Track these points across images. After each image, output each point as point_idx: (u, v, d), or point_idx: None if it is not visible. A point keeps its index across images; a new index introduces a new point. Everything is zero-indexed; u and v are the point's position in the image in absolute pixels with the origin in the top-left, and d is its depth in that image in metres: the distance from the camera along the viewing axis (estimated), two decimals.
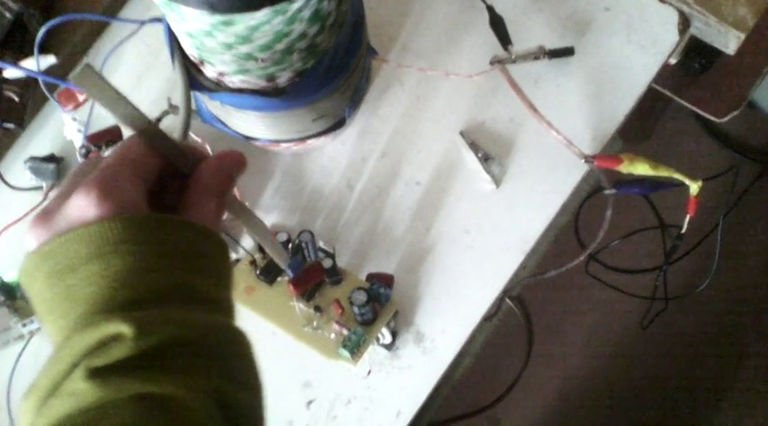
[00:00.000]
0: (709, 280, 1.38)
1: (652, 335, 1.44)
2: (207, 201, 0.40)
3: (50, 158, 0.68)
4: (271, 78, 0.53)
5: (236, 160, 0.42)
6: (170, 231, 0.37)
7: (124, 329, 0.33)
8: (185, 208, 0.39)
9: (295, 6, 0.45)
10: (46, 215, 0.37)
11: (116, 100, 0.36)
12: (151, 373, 0.33)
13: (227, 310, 0.40)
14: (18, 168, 0.69)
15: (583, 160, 0.63)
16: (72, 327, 0.34)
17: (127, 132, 0.62)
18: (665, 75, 0.89)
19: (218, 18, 0.44)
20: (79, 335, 0.33)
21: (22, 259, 0.37)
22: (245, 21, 0.45)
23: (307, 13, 0.47)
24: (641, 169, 0.64)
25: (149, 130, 0.38)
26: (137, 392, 0.32)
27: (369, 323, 0.60)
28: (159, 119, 0.63)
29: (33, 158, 0.68)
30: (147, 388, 0.32)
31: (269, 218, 0.67)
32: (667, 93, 0.92)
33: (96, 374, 0.32)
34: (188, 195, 0.40)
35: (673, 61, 0.89)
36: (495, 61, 0.66)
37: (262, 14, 0.44)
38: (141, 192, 0.38)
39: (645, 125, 1.44)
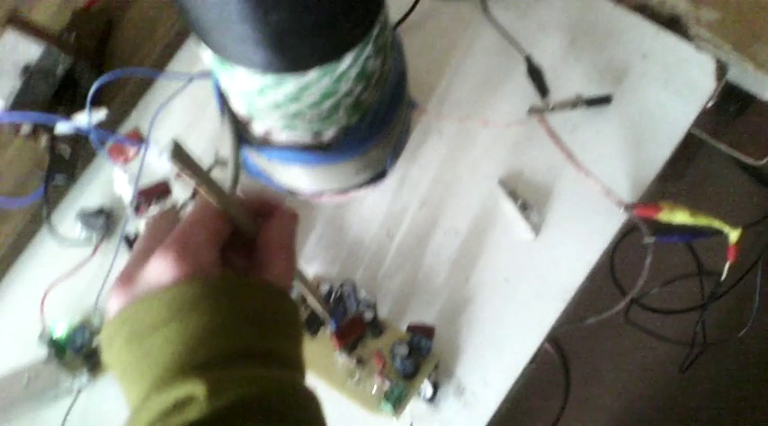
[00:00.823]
0: (750, 325, 1.36)
1: (690, 380, 1.42)
2: (278, 259, 0.41)
3: (100, 212, 0.70)
4: (317, 134, 0.54)
5: (292, 217, 0.44)
6: (246, 291, 0.38)
7: (197, 389, 0.33)
8: (258, 267, 0.41)
9: (343, 66, 0.47)
10: (126, 279, 0.38)
11: (201, 174, 0.38)
12: None
13: (300, 369, 0.41)
14: (69, 221, 0.70)
15: (622, 208, 0.64)
16: (150, 388, 0.35)
17: (176, 186, 0.64)
18: (702, 117, 0.89)
19: (269, 78, 0.46)
20: (157, 396, 0.34)
21: (104, 324, 0.38)
22: (294, 81, 0.46)
23: (353, 72, 0.48)
24: (680, 217, 0.64)
25: (227, 200, 0.40)
26: None
27: (410, 375, 0.60)
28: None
29: (84, 211, 0.70)
30: None
31: (311, 268, 0.68)
32: (704, 136, 0.92)
33: None
34: (259, 255, 0.41)
35: (709, 104, 0.89)
36: (533, 111, 0.67)
37: (311, 75, 0.46)
38: (215, 254, 0.39)
39: (679, 164, 1.44)
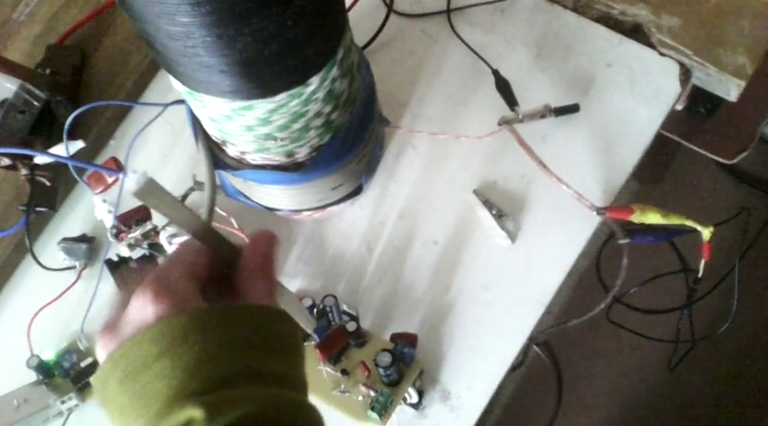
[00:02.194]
0: (731, 320, 1.38)
1: (680, 376, 1.43)
2: (255, 282, 0.42)
3: (82, 238, 0.71)
4: (290, 154, 0.55)
5: (268, 238, 0.44)
6: (234, 317, 0.39)
7: (195, 413, 0.34)
8: (239, 294, 0.42)
9: (309, 89, 0.48)
10: (110, 326, 0.39)
11: (172, 206, 0.38)
12: None
13: (299, 385, 0.41)
14: (51, 249, 0.71)
15: (595, 212, 0.65)
16: (149, 423, 0.36)
17: (154, 212, 0.64)
18: (673, 120, 0.91)
19: (237, 104, 0.47)
20: None
21: (96, 372, 0.39)
22: (263, 105, 0.47)
23: (321, 94, 0.49)
24: (653, 218, 0.65)
25: (203, 230, 0.41)
26: None
27: (395, 383, 0.61)
28: (185, 196, 0.66)
29: (66, 239, 0.71)
30: None
31: (293, 284, 0.69)
32: (676, 138, 0.94)
33: None
34: (238, 281, 0.42)
35: (679, 107, 0.91)
36: (504, 122, 0.68)
37: (279, 98, 0.47)
38: (194, 288, 0.40)
39: (657, 168, 1.46)
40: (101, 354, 0.39)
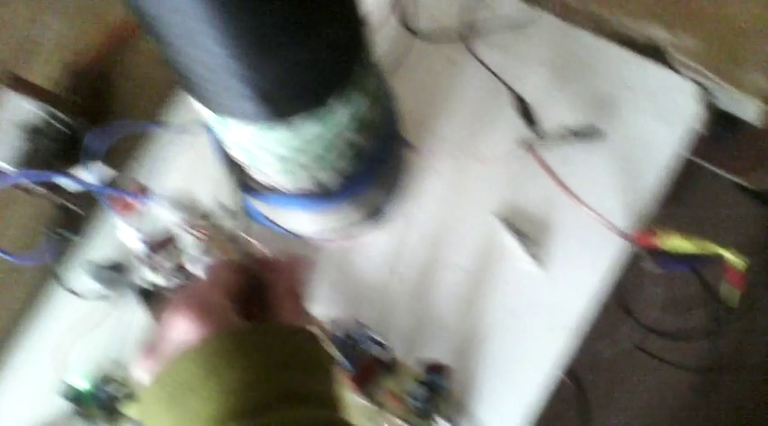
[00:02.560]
0: (759, 348, 1.36)
1: (709, 405, 1.41)
2: (287, 304, 0.43)
3: (110, 265, 0.71)
4: (315, 179, 0.56)
5: (302, 262, 0.46)
6: (275, 338, 0.40)
7: None
8: (271, 314, 0.43)
9: (336, 115, 0.48)
10: (152, 348, 0.40)
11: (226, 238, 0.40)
12: None
13: (336, 404, 0.42)
14: (79, 275, 0.72)
15: (621, 237, 0.65)
16: None
17: (182, 235, 0.65)
18: (696, 143, 0.91)
19: (264, 129, 0.48)
20: None
21: (140, 394, 0.39)
22: (289, 131, 0.48)
23: (347, 120, 0.50)
24: (680, 244, 0.64)
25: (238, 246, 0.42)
26: None
27: (427, 414, 0.61)
28: (208, 217, 0.66)
29: (95, 265, 0.71)
30: None
31: (318, 311, 0.69)
32: (698, 160, 0.93)
33: None
34: (270, 300, 0.43)
35: (700, 130, 0.91)
36: (524, 143, 0.68)
37: (306, 125, 0.48)
38: (232, 307, 0.41)
39: (679, 190, 1.45)
40: (142, 375, 0.40)
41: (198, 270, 0.65)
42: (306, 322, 0.45)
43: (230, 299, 0.42)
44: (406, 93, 0.73)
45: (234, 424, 0.36)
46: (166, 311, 0.42)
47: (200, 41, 0.39)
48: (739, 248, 0.65)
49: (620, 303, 1.40)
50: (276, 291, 0.44)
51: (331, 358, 0.44)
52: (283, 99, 0.45)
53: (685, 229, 0.65)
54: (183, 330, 0.39)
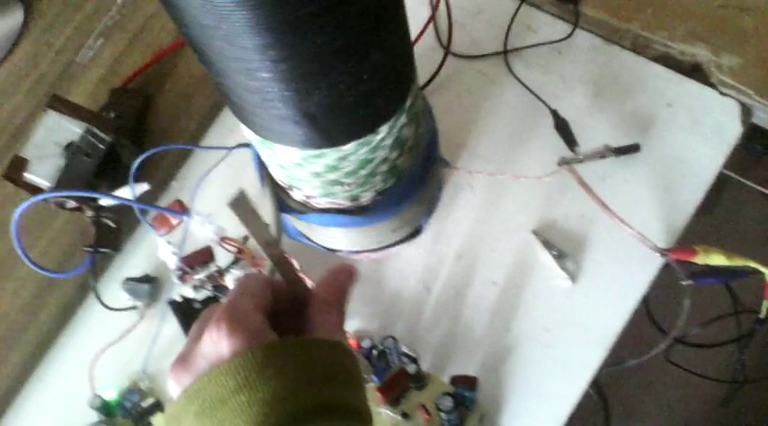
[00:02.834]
0: None
1: (732, 415, 1.40)
2: (328, 315, 0.43)
3: (145, 279, 0.72)
4: (355, 198, 0.56)
5: (347, 273, 0.45)
6: (307, 351, 0.39)
7: None
8: (309, 326, 0.42)
9: (379, 137, 0.48)
10: (183, 360, 0.40)
11: (259, 225, 0.40)
12: None
13: (368, 419, 0.41)
14: (114, 289, 0.72)
15: (658, 254, 0.64)
16: None
17: (219, 253, 0.65)
18: (729, 156, 0.90)
19: (308, 153, 0.48)
20: None
21: (168, 408, 0.39)
22: (333, 154, 0.48)
23: (389, 141, 0.50)
24: (716, 260, 0.65)
25: (278, 255, 0.42)
26: None
27: None
28: (247, 238, 0.67)
29: (129, 279, 0.72)
30: None
31: (351, 325, 0.69)
32: (731, 174, 0.92)
33: None
34: (309, 313, 0.43)
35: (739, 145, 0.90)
36: (563, 162, 0.68)
37: (349, 147, 0.48)
38: (264, 320, 0.40)
39: (707, 200, 1.44)
40: (173, 389, 0.39)
41: (233, 285, 0.65)
42: (343, 336, 0.44)
43: (263, 312, 0.41)
44: (444, 111, 0.73)
45: None
46: (198, 324, 0.42)
47: (255, 71, 0.39)
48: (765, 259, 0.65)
49: (647, 312, 1.40)
50: (316, 305, 0.44)
51: (362, 372, 0.44)
52: (336, 127, 0.45)
53: (713, 239, 0.65)
54: (214, 343, 0.39)
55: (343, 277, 0.45)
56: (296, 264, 0.67)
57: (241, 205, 0.38)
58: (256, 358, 0.37)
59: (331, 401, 0.38)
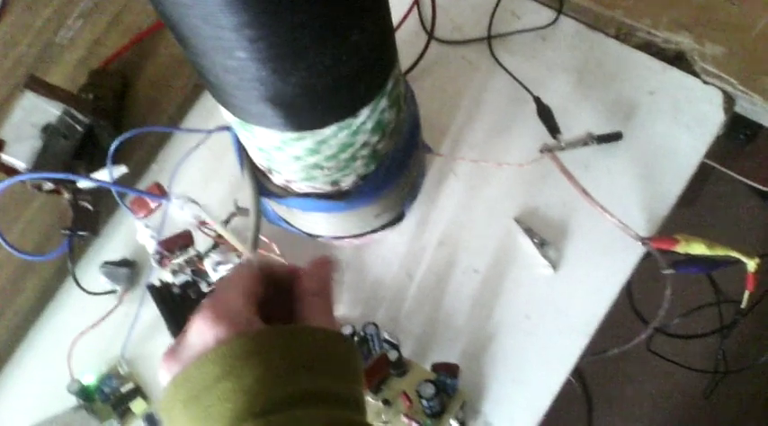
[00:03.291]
0: None
1: (714, 406, 1.41)
2: (314, 304, 0.43)
3: (124, 263, 0.71)
4: (335, 183, 0.55)
5: (328, 264, 0.46)
6: (295, 339, 0.40)
7: None
8: (297, 315, 0.43)
9: (359, 120, 0.48)
10: (173, 351, 0.40)
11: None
12: None
13: (359, 407, 0.41)
14: (93, 273, 0.72)
15: (639, 242, 0.64)
16: None
17: (198, 236, 0.65)
18: (712, 146, 0.90)
19: (288, 135, 0.47)
20: None
21: (160, 395, 0.39)
22: (313, 136, 0.48)
23: (369, 125, 0.49)
24: (698, 249, 0.65)
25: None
26: None
27: (437, 414, 0.61)
28: (227, 221, 0.66)
29: (107, 263, 0.71)
30: None
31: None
32: (714, 164, 0.93)
33: None
34: (296, 303, 0.44)
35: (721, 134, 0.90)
36: (545, 149, 0.68)
37: (328, 130, 0.47)
38: (251, 309, 0.41)
39: (690, 191, 1.44)
40: (164, 378, 0.40)
41: (212, 269, 0.65)
42: (334, 323, 0.45)
43: (250, 302, 0.42)
44: (427, 97, 0.73)
45: (249, 423, 0.36)
46: (193, 315, 0.43)
47: (232, 50, 0.38)
48: (749, 250, 0.65)
49: (629, 302, 1.40)
50: (303, 294, 0.44)
51: (360, 361, 0.44)
52: (316, 109, 0.44)
53: (696, 230, 0.65)
54: (201, 333, 0.39)
55: (325, 267, 0.46)
56: (276, 249, 0.67)
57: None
58: (242, 346, 0.38)
59: (318, 388, 0.39)
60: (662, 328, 1.38)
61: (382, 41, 0.46)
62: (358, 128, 0.49)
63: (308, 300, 0.44)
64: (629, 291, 1.43)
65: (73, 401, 0.66)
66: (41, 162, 0.68)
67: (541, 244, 0.67)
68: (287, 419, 0.36)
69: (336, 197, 0.57)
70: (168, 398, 0.39)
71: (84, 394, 0.66)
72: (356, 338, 0.64)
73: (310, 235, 0.66)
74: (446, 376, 0.62)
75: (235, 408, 0.36)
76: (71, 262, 0.70)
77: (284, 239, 0.67)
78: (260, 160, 0.55)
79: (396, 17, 0.72)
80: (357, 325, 0.64)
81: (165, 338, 0.66)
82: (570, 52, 0.74)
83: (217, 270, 0.63)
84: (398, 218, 0.67)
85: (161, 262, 0.64)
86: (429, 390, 0.59)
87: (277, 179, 0.57)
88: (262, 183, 0.59)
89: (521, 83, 0.73)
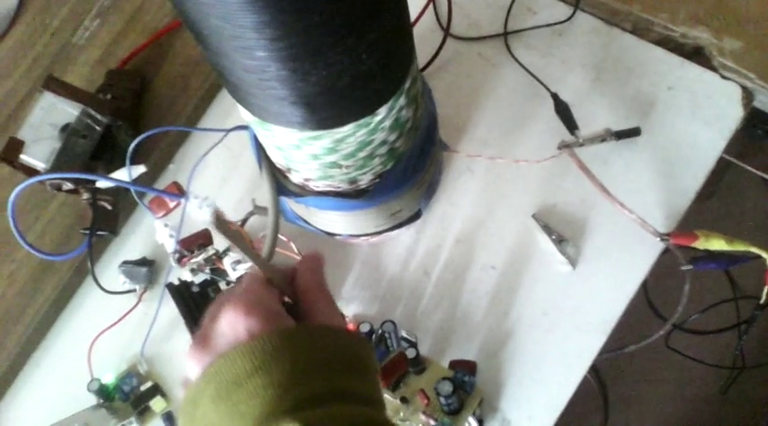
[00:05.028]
0: None
1: (731, 401, 1.40)
2: (317, 301, 0.44)
3: (143, 262, 0.72)
4: (353, 181, 0.55)
5: (313, 258, 0.47)
6: (323, 337, 0.40)
7: None
8: (302, 310, 0.44)
9: (377, 119, 0.48)
10: (201, 340, 0.40)
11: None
12: None
13: (380, 405, 0.42)
14: (112, 272, 0.72)
15: (658, 238, 0.64)
16: None
17: (216, 236, 0.65)
18: (729, 141, 0.90)
19: (306, 134, 0.47)
20: None
21: (185, 391, 0.40)
22: (331, 135, 0.48)
23: (387, 123, 0.49)
24: (717, 244, 0.64)
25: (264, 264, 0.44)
26: None
27: (455, 412, 0.60)
28: (245, 220, 0.66)
29: (126, 262, 0.71)
30: None
31: (350, 309, 0.69)
32: (731, 158, 0.92)
33: None
34: (301, 304, 0.44)
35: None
36: (563, 146, 0.68)
37: (347, 129, 0.47)
38: (279, 304, 0.42)
39: (707, 185, 1.43)
40: (193, 369, 0.40)
41: (231, 268, 0.65)
42: (339, 317, 0.45)
43: (276, 298, 0.43)
44: (443, 94, 0.72)
45: (278, 419, 0.36)
46: (214, 307, 0.43)
47: (252, 50, 0.38)
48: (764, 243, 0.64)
49: (646, 298, 1.39)
50: (305, 293, 0.45)
51: (376, 361, 0.44)
52: (334, 108, 0.44)
53: (713, 225, 0.65)
54: (233, 323, 0.39)
55: (311, 262, 0.46)
56: (294, 248, 0.67)
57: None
58: (273, 342, 0.38)
59: (344, 386, 0.39)
60: (680, 324, 1.37)
61: (400, 40, 0.46)
62: (376, 127, 0.49)
63: (309, 295, 0.44)
64: (645, 287, 1.43)
65: (92, 400, 0.66)
66: (60, 162, 0.69)
67: (559, 241, 0.67)
68: (319, 415, 0.36)
69: (354, 195, 0.57)
70: (195, 392, 0.39)
71: (104, 393, 0.67)
72: (374, 336, 0.64)
73: (328, 234, 0.66)
74: (464, 373, 0.61)
75: (264, 404, 0.36)
76: (90, 262, 0.70)
77: (302, 238, 0.67)
78: (278, 159, 0.56)
79: (411, 14, 0.72)
80: (375, 323, 0.64)
81: (184, 336, 0.66)
82: (587, 48, 0.73)
83: (236, 268, 0.63)
84: (416, 216, 0.67)
85: (180, 261, 0.64)
86: (447, 387, 0.59)
87: (295, 177, 0.57)
88: (280, 182, 0.59)
89: (538, 79, 0.72)
